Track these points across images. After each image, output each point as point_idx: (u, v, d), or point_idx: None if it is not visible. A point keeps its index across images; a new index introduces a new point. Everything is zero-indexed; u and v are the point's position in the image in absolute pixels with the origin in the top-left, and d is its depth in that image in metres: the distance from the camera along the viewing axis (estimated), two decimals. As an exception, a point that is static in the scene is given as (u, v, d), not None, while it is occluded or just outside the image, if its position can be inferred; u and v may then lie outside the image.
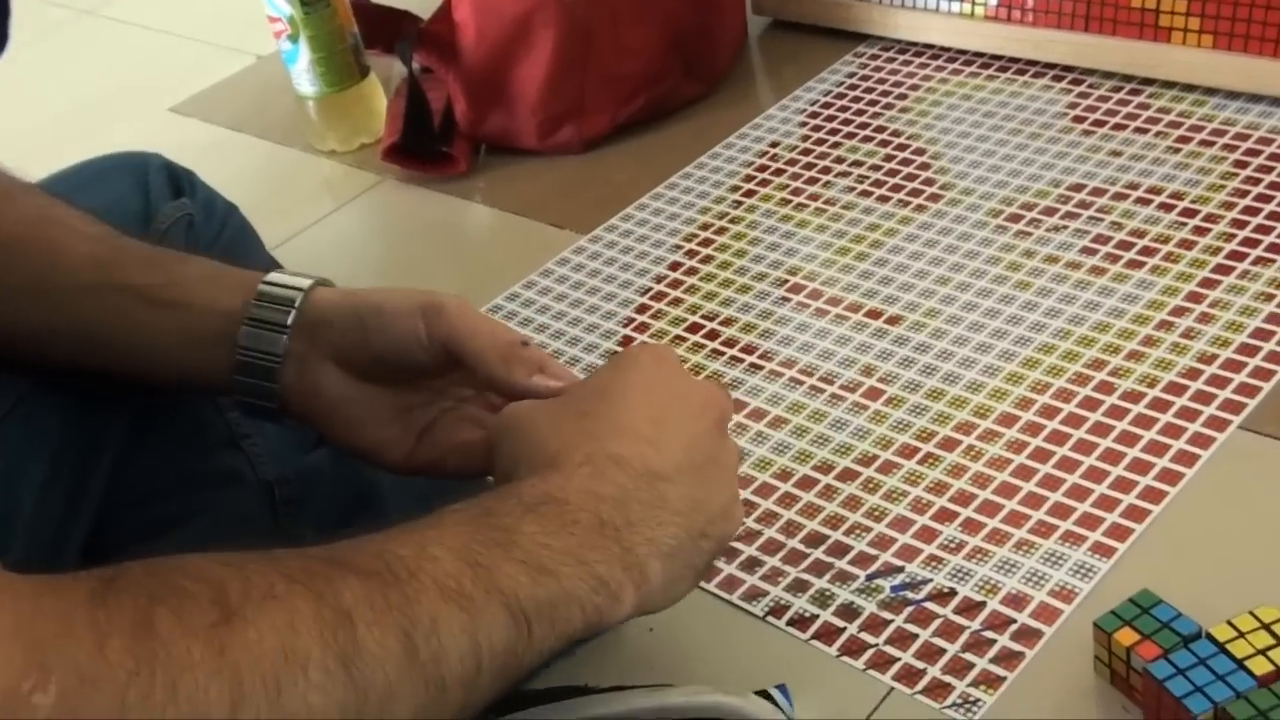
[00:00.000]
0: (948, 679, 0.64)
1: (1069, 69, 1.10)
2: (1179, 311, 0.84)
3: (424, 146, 1.18)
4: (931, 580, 0.70)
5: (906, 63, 1.17)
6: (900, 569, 0.71)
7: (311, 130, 1.27)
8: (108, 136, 1.38)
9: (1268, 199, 0.92)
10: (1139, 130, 1.02)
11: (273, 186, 1.24)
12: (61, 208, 0.66)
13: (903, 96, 1.13)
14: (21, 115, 1.47)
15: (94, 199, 0.71)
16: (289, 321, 0.61)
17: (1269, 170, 0.95)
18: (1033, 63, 1.12)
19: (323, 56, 1.21)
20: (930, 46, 1.17)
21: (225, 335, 0.61)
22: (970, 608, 0.68)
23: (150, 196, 0.78)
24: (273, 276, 0.62)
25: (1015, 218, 0.96)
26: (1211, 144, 0.99)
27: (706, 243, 1.01)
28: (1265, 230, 0.90)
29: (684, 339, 0.91)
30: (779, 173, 1.07)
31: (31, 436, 0.64)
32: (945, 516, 0.73)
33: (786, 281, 0.95)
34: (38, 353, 0.65)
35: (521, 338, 0.61)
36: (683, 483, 0.54)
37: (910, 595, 0.69)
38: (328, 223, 1.17)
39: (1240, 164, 0.96)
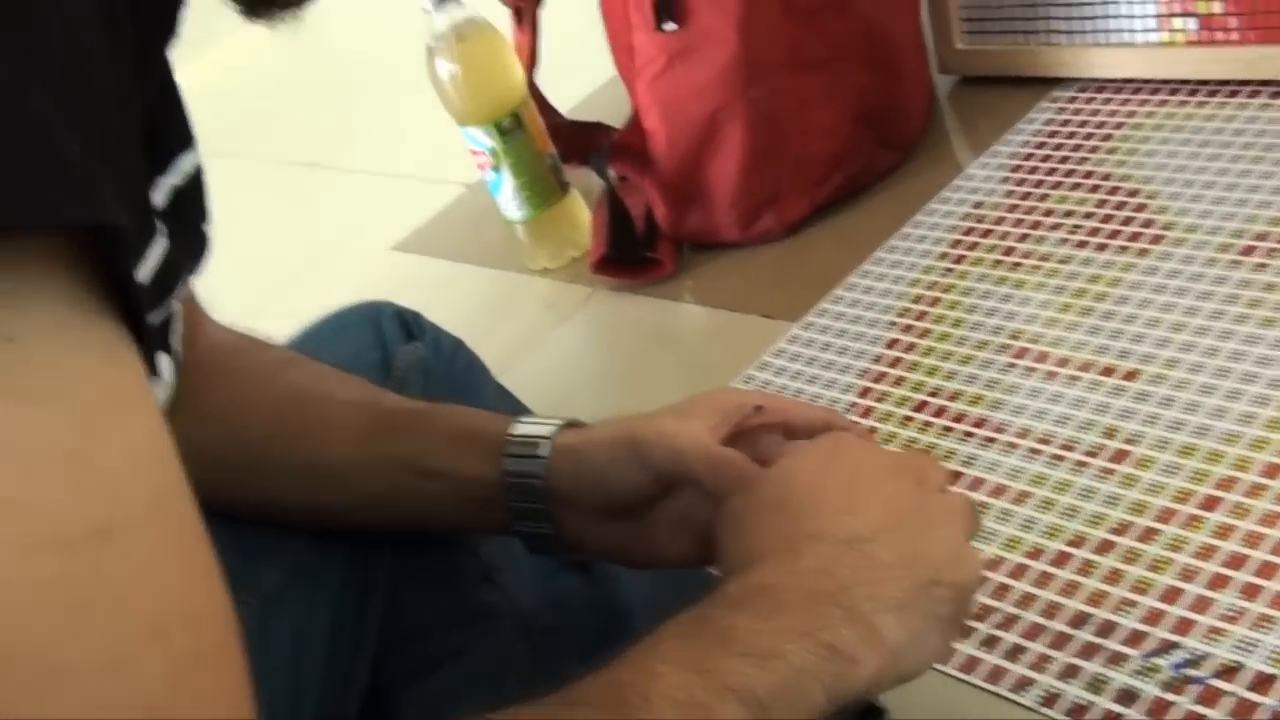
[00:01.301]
0: (1244, 761, 0.60)
1: (1287, 83, 1.05)
2: None
3: (630, 254, 1.20)
4: (1214, 655, 0.66)
5: (1107, 100, 1.13)
6: (1177, 645, 0.67)
7: (523, 251, 1.31)
8: (338, 278, 1.47)
9: None
10: (1372, 137, 0.96)
11: (493, 311, 1.29)
12: (321, 379, 0.71)
13: (1108, 137, 1.09)
14: (260, 265, 1.57)
15: (338, 354, 0.77)
16: (541, 486, 0.64)
17: None
18: (1245, 83, 1.07)
19: (525, 181, 1.25)
20: (1130, 81, 1.13)
21: (492, 498, 0.65)
22: (1262, 682, 0.64)
23: (386, 344, 0.83)
24: (517, 431, 0.65)
25: (1248, 250, 0.91)
26: None
27: (922, 315, 0.99)
28: None
29: (911, 419, 0.90)
30: (988, 233, 1.05)
31: (316, 588, 0.69)
32: (1219, 583, 0.70)
33: (1011, 346, 0.92)
34: (312, 523, 0.69)
35: (751, 405, 0.62)
36: (889, 540, 0.53)
37: (1193, 673, 0.66)
38: (548, 340, 1.21)
39: None
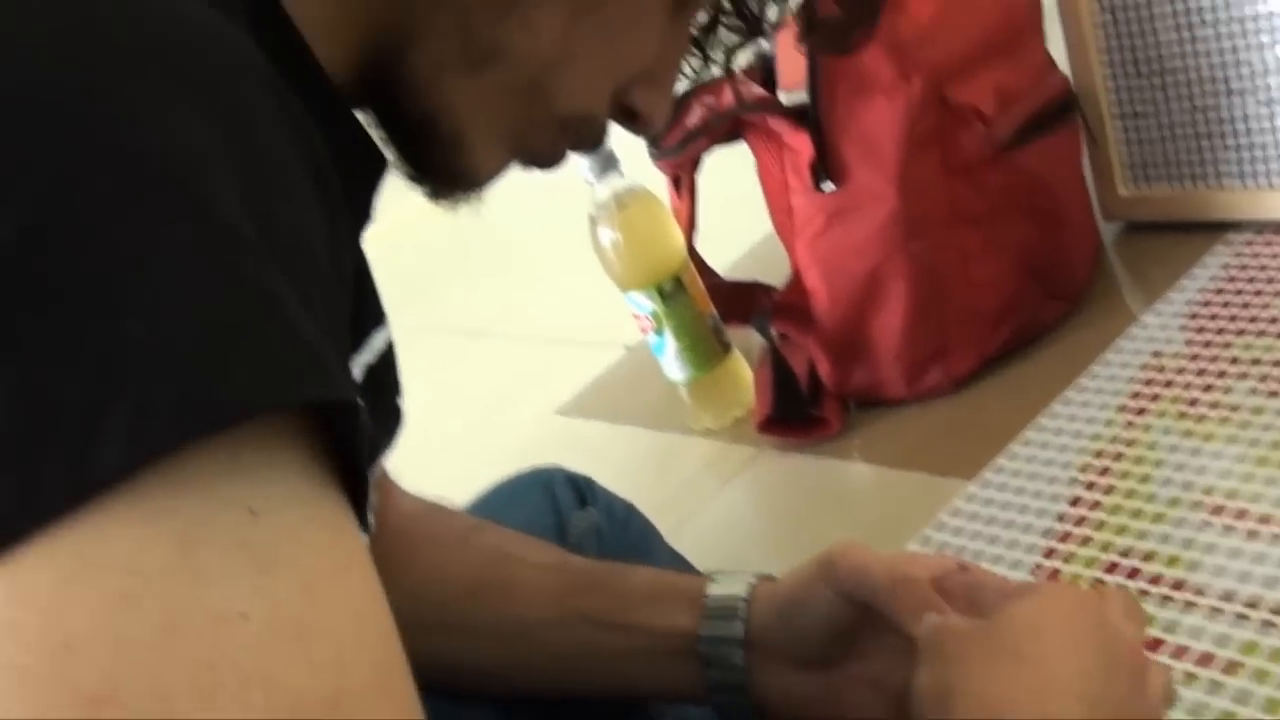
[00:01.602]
0: None
1: None
2: None
3: (795, 412, 1.20)
4: None
5: (1286, 243, 1.10)
6: None
7: (686, 412, 1.32)
8: (503, 444, 1.49)
9: None
10: None
11: (659, 473, 1.29)
12: (512, 541, 0.74)
13: (1290, 280, 1.06)
14: (423, 432, 1.60)
15: (512, 520, 0.79)
16: (740, 636, 0.64)
17: None
18: None
19: (688, 342, 1.26)
20: (1310, 221, 1.10)
21: (688, 654, 0.65)
22: None
23: (560, 510, 0.85)
24: (714, 591, 0.66)
25: None
26: None
27: (1105, 470, 0.96)
28: None
29: (1103, 582, 0.86)
30: (1169, 384, 1.01)
31: None
32: None
33: (1204, 503, 0.88)
34: (503, 685, 0.70)
35: (955, 564, 0.62)
36: (1110, 704, 0.53)
37: None
38: (714, 502, 1.20)
39: None
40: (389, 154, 0.65)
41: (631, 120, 0.68)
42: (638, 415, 1.42)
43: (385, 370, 0.65)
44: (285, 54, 0.51)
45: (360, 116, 0.62)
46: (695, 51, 0.71)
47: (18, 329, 0.38)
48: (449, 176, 0.65)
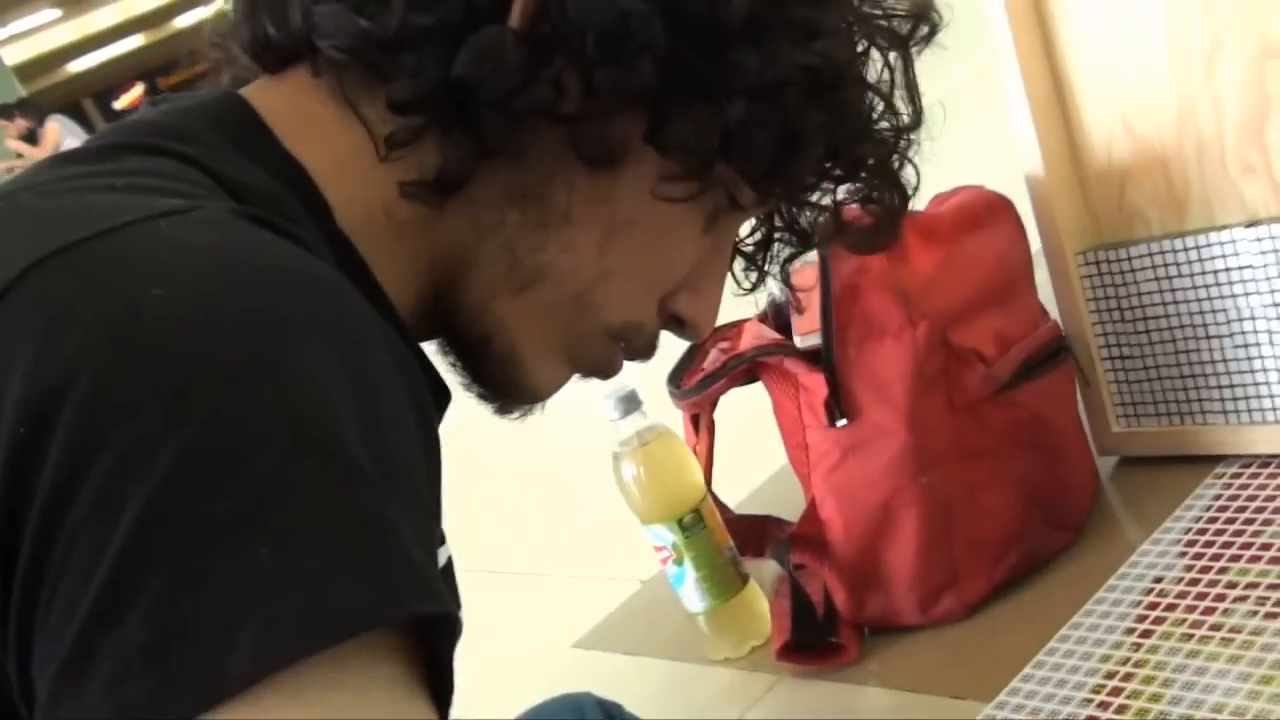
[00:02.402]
0: None
1: None
2: None
3: (813, 640, 1.24)
4: None
5: (1273, 476, 1.17)
6: None
7: (704, 642, 1.36)
8: (522, 677, 1.52)
9: None
10: None
11: (680, 703, 1.32)
12: None
13: (1279, 510, 1.12)
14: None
15: None
16: None
17: None
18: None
19: (706, 573, 1.32)
20: (1292, 455, 1.18)
21: None
22: None
23: None
24: None
25: None
26: None
27: (1117, 691, 1.00)
28: None
29: (1123, 797, 0.90)
30: (1171, 608, 1.07)
31: None
32: None
33: (1214, 720, 0.93)
34: None
35: None
36: None
37: None
38: (737, 730, 1.23)
39: None
40: (459, 375, 0.72)
41: (680, 327, 0.74)
42: (655, 647, 1.45)
43: (449, 585, 0.71)
44: (369, 297, 0.59)
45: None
46: (750, 263, 0.78)
47: (166, 549, 0.45)
48: (511, 391, 0.72)
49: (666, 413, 1.37)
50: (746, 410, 1.39)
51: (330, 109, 0.65)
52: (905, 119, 0.72)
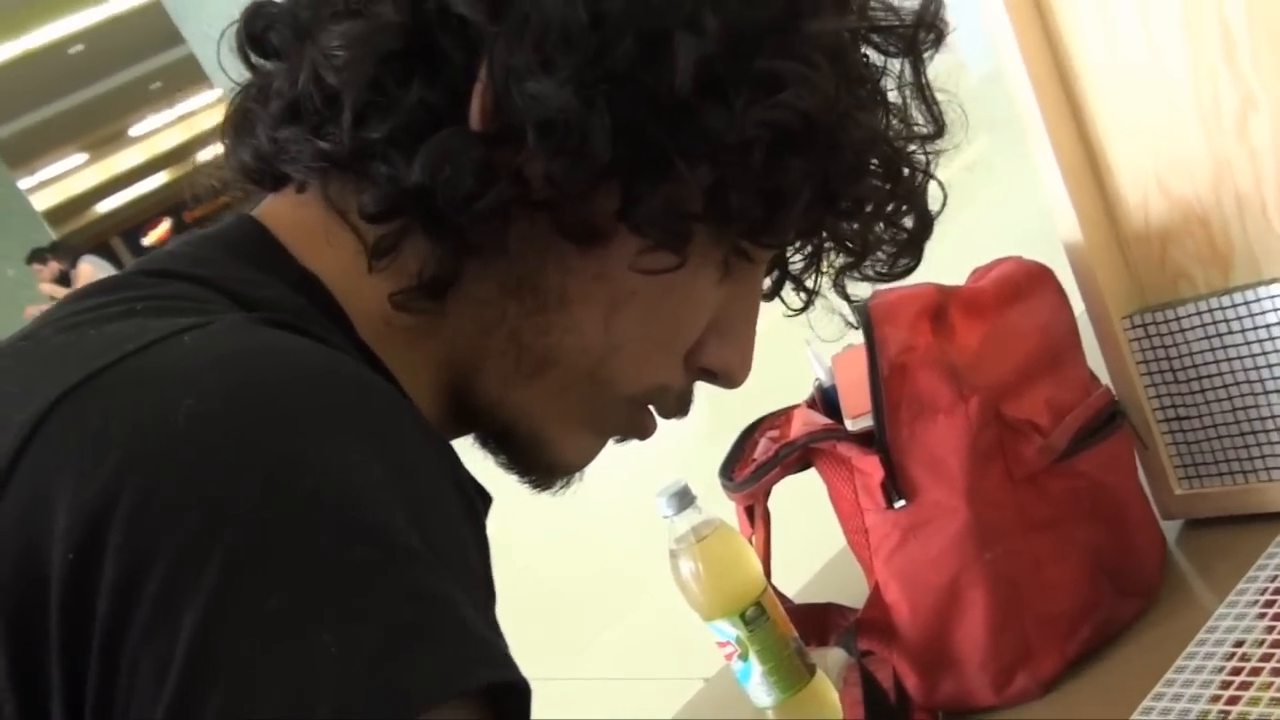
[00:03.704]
0: None
1: None
2: None
3: (888, 728, 1.22)
4: None
5: (1345, 528, 1.15)
6: None
7: (776, 737, 1.33)
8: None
9: None
10: None
11: (755, 801, 1.29)
12: None
13: (1355, 565, 1.10)
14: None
15: None
16: None
17: None
18: None
19: (772, 666, 1.29)
20: (1363, 505, 1.16)
21: None
22: None
23: None
24: None
25: None
26: None
27: (1209, 761, 0.98)
28: None
29: None
30: (1256, 671, 1.04)
31: None
32: None
33: (1315, 784, 0.90)
34: None
35: None
36: None
37: None
38: (816, 825, 1.20)
39: None
40: (495, 459, 0.72)
41: (712, 378, 0.74)
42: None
43: None
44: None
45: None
46: (797, 285, 0.76)
47: (229, 650, 0.45)
48: (545, 469, 0.72)
49: (720, 505, 1.36)
50: (796, 497, 1.38)
51: (328, 219, 0.66)
52: (923, 129, 0.70)
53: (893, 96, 0.68)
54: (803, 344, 1.35)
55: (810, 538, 1.55)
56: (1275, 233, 1.17)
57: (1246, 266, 1.20)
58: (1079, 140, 1.27)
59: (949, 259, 1.36)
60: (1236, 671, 1.05)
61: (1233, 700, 1.03)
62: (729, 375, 0.73)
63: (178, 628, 0.44)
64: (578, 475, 0.73)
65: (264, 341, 0.54)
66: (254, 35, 0.67)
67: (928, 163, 0.70)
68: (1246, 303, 1.17)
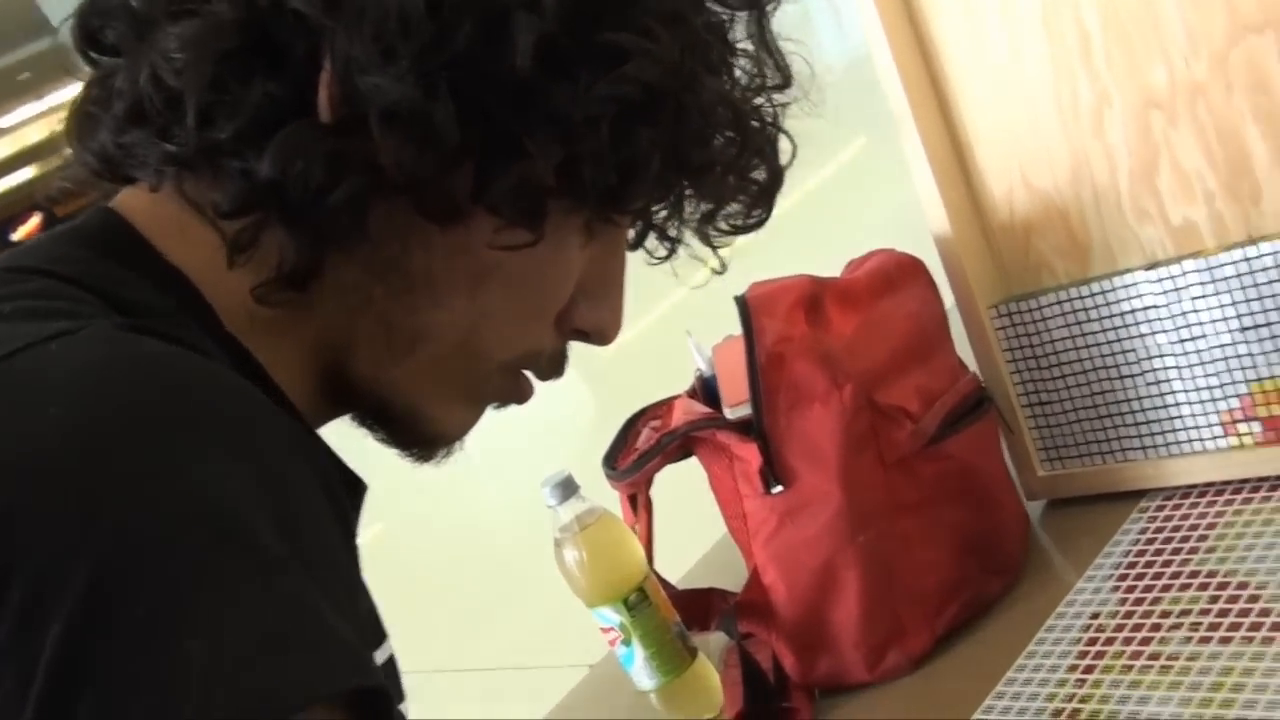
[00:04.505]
0: None
1: (1357, 467, 1.13)
2: None
3: (765, 707, 1.25)
4: None
5: (1194, 505, 1.21)
6: None
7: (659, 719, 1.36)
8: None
9: None
10: None
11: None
12: None
13: (1204, 538, 1.16)
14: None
15: None
16: None
17: None
18: (1318, 472, 1.15)
19: (655, 650, 1.32)
20: (1211, 484, 1.22)
21: None
22: None
23: None
24: None
25: (1367, 623, 0.96)
26: None
27: (1067, 728, 1.02)
28: None
29: (1084, 830, 0.91)
30: (1110, 641, 1.10)
31: None
32: None
33: (1163, 746, 0.95)
34: None
35: None
36: None
37: None
38: (698, 804, 1.23)
39: None
40: (374, 436, 0.73)
41: (585, 338, 0.75)
42: (609, 730, 1.45)
43: (391, 681, 0.71)
44: (267, 395, 0.60)
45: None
46: (661, 235, 0.77)
47: (97, 658, 0.45)
48: (424, 443, 0.73)
49: (606, 495, 1.38)
50: (681, 486, 1.41)
51: (185, 215, 0.66)
52: (769, 81, 0.72)
53: (741, 49, 0.70)
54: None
55: (694, 525, 1.58)
56: (1129, 225, 1.23)
57: (1103, 257, 1.26)
58: (948, 137, 1.31)
59: (827, 252, 1.40)
60: (1092, 643, 1.11)
61: (1088, 670, 1.08)
62: (601, 334, 0.74)
63: (43, 638, 0.44)
64: (458, 445, 0.74)
65: (132, 350, 0.54)
66: (90, 32, 0.66)
67: (776, 115, 0.72)
68: (1104, 292, 1.23)
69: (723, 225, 0.74)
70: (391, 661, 0.73)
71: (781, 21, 0.70)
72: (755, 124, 0.71)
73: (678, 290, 0.84)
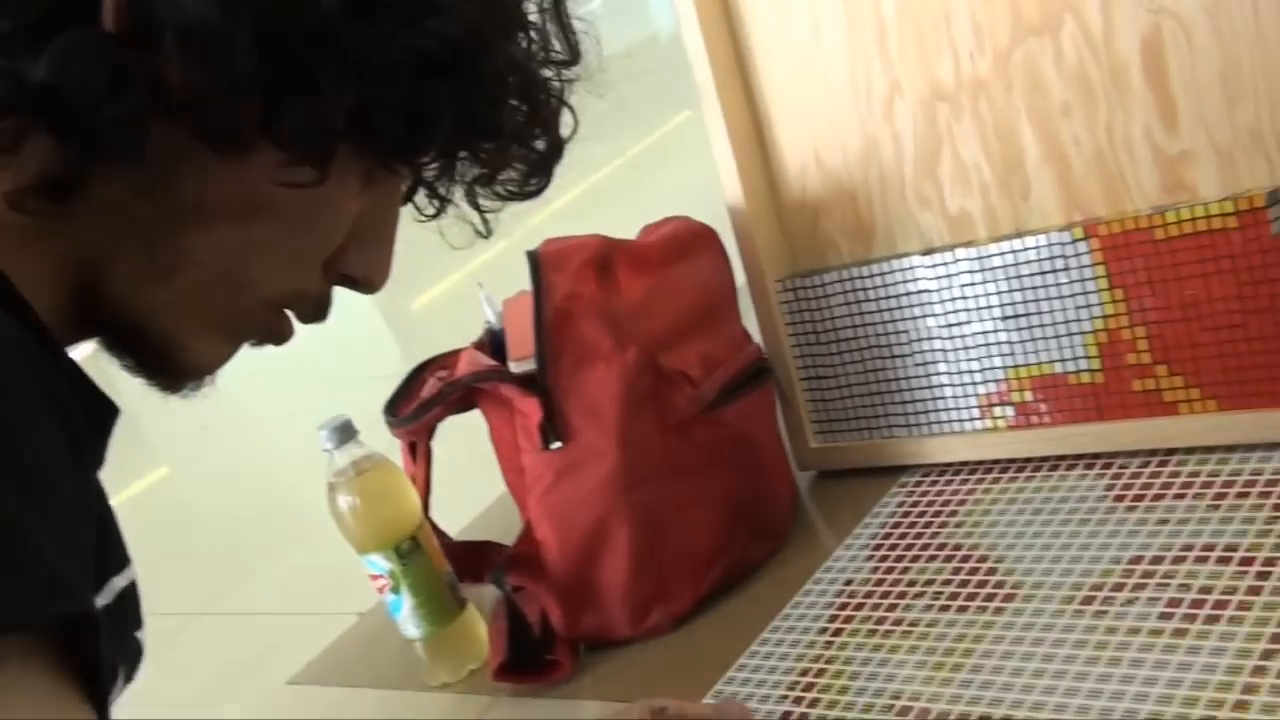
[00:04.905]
0: None
1: (1096, 456, 1.20)
2: (1269, 655, 0.89)
3: (529, 659, 1.26)
4: None
5: (948, 482, 1.27)
6: None
7: (423, 669, 1.36)
8: (237, 716, 1.47)
9: (1313, 529, 0.99)
10: (1177, 496, 1.10)
11: (396, 729, 1.31)
12: None
13: (954, 513, 1.22)
14: (158, 711, 1.56)
15: None
16: None
17: (1306, 503, 1.02)
18: (1062, 457, 1.22)
19: (423, 599, 1.32)
20: (965, 463, 1.28)
21: None
22: None
23: None
24: None
25: (1088, 600, 1.02)
26: (1246, 495, 1.07)
27: (809, 687, 1.06)
28: (1321, 557, 0.95)
29: (814, 783, 0.95)
30: (859, 607, 1.14)
31: None
32: None
33: (894, 706, 0.99)
34: None
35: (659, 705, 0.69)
36: None
37: None
38: (454, 752, 1.23)
39: (1279, 507, 1.04)
40: (121, 364, 0.71)
41: (352, 284, 0.74)
42: (373, 677, 1.44)
43: (123, 609, 0.69)
44: (11, 309, 0.58)
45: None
46: (432, 192, 0.77)
47: None
48: (176, 373, 0.71)
49: (389, 443, 1.37)
50: (472, 439, 1.41)
51: None
52: (559, 56, 0.73)
53: (533, 20, 0.71)
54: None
55: (480, 479, 1.58)
56: (910, 212, 1.28)
57: (885, 240, 1.30)
58: (748, 113, 1.34)
59: (635, 218, 1.41)
60: (843, 608, 1.15)
61: (836, 633, 1.12)
62: (368, 281, 0.73)
63: None
64: (208, 379, 0.72)
65: None
66: None
67: (562, 89, 0.73)
68: (882, 273, 1.27)
69: (499, 190, 0.75)
70: (133, 587, 0.71)
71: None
72: (542, 96, 0.72)
73: (491, 247, 0.84)
